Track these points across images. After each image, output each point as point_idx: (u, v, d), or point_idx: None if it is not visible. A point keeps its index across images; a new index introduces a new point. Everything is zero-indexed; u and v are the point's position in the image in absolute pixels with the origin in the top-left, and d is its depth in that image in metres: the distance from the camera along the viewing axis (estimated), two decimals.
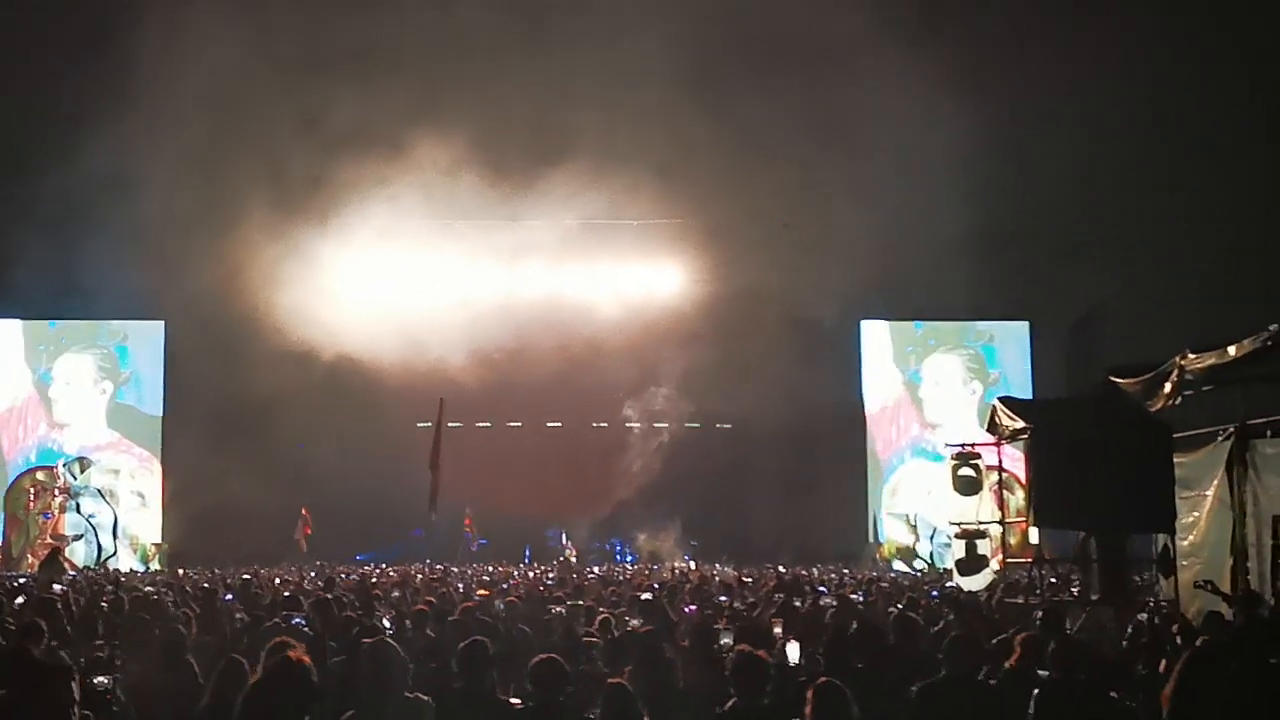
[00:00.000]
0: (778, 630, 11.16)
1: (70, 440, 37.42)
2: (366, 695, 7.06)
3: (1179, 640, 9.76)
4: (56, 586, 18.19)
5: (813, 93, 32.47)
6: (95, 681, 7.46)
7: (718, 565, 31.39)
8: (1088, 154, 32.96)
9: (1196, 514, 15.47)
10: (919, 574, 30.73)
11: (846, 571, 27.91)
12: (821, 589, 17.84)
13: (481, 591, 15.33)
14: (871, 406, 39.16)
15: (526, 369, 36.34)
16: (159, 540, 36.62)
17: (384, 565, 31.01)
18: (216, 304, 34.20)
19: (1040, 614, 11.69)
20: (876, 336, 39.57)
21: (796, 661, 8.67)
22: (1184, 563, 15.22)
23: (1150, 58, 29.73)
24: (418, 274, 37.56)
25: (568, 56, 32.79)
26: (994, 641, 9.93)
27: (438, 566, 28.73)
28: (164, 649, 9.44)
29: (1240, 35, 30.40)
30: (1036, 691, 7.86)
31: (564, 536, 36.81)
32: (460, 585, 20.36)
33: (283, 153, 33.11)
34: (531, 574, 26.79)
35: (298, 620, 11.34)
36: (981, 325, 39.55)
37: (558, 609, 12.82)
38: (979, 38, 32.63)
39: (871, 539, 37.94)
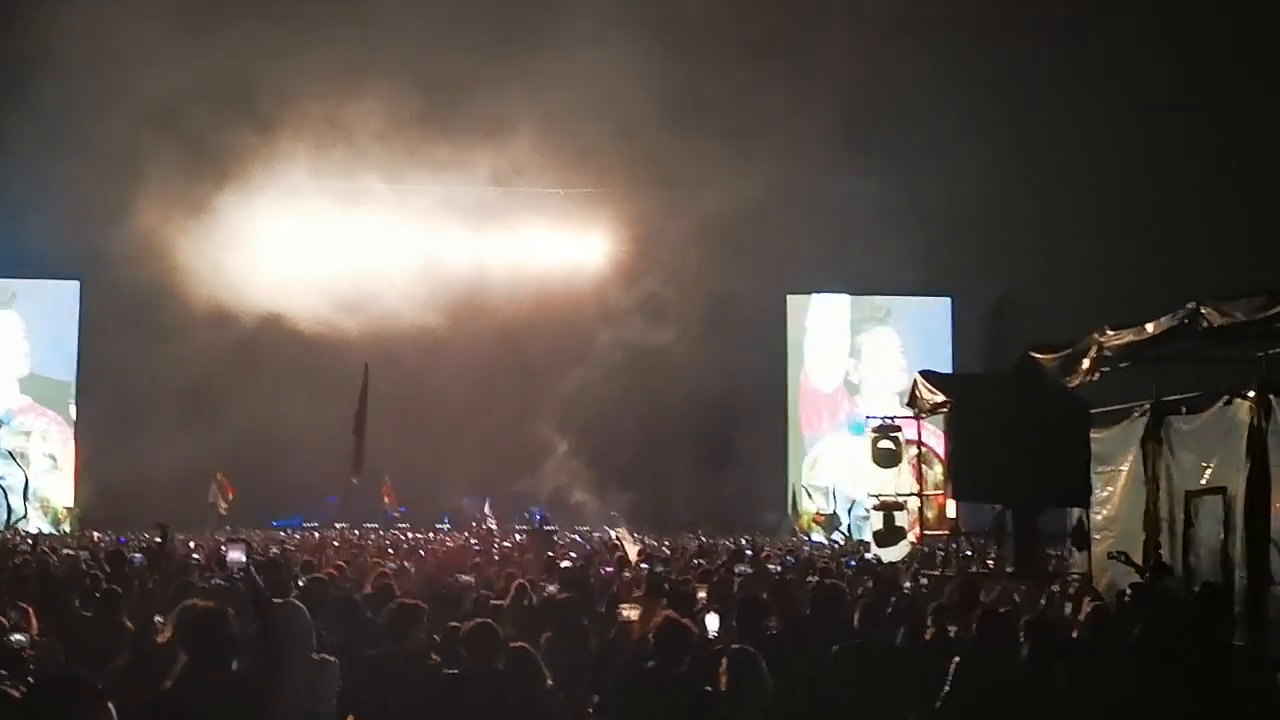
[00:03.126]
0: (701, 595, 11.23)
1: None
2: (273, 654, 7.01)
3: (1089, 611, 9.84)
4: None
5: (744, 65, 32.47)
6: (11, 639, 7.31)
7: (636, 535, 31.40)
8: (1014, 132, 33.29)
9: (1111, 489, 15.63)
10: (836, 545, 30.94)
11: (762, 542, 28.01)
12: (748, 553, 17.89)
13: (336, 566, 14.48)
14: (794, 379, 39.33)
15: (451, 335, 36.10)
16: (70, 504, 35.96)
17: (300, 530, 30.73)
18: (132, 266, 33.60)
19: (955, 586, 11.80)
20: (802, 310, 39.72)
21: (715, 633, 8.68)
22: (1097, 536, 15.38)
23: (1077, 31, 30.07)
24: (341, 238, 37.14)
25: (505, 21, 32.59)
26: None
27: (353, 533, 28.47)
28: (95, 609, 9.41)
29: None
30: (955, 659, 7.92)
31: (485, 504, 36.63)
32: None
33: (202, 112, 32.57)
34: (451, 542, 26.67)
35: (217, 581, 11.19)
36: (903, 300, 39.81)
37: (465, 577, 12.71)
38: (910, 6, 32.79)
39: (790, 510, 38.16)
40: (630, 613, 9.30)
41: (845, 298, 39.80)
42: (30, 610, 8.92)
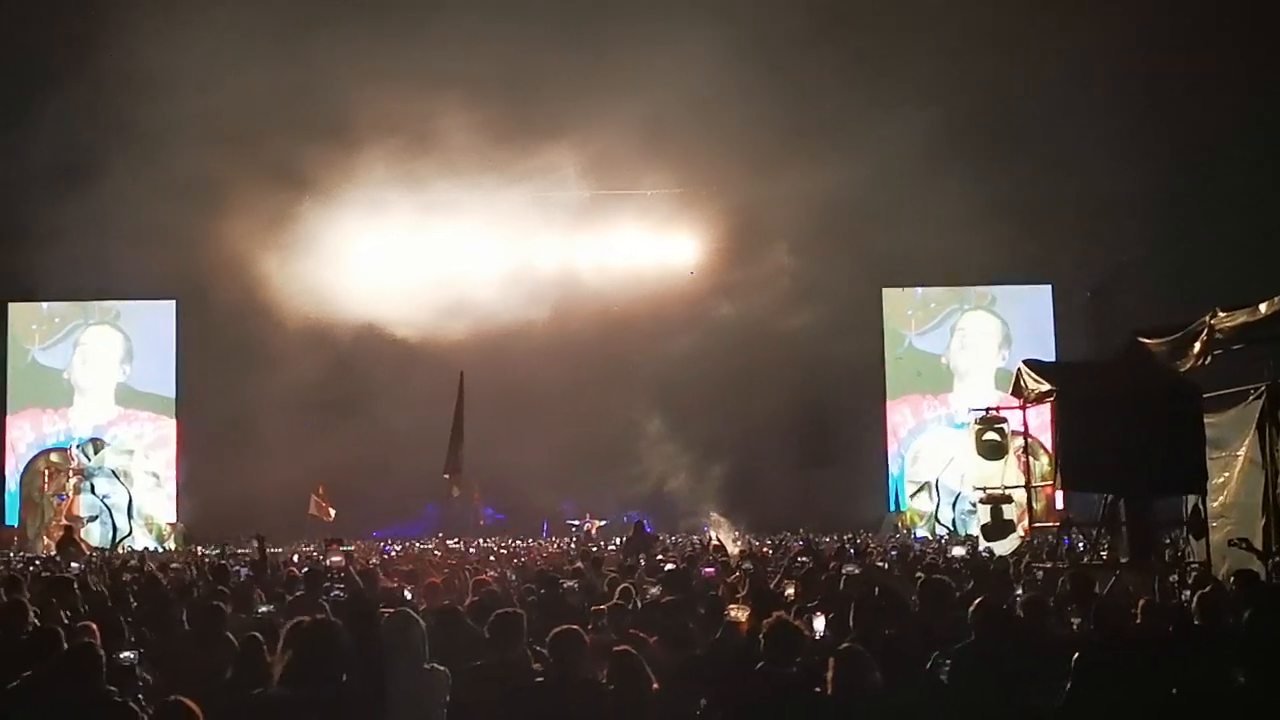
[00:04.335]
0: (790, 592, 11.07)
1: (82, 422, 37.37)
2: (385, 665, 7.01)
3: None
4: (75, 565, 18.23)
5: (837, 58, 32.19)
6: (121, 657, 7.37)
7: (737, 534, 31.26)
8: (1106, 113, 32.72)
9: (1227, 474, 15.27)
10: (942, 540, 30.52)
11: (866, 539, 27.70)
12: (850, 551, 17.65)
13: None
14: (891, 373, 38.87)
15: (546, 340, 36.17)
16: (174, 520, 36.55)
17: (402, 541, 30.94)
18: (226, 284, 34.10)
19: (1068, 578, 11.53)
20: (897, 303, 39.24)
21: (823, 633, 8.53)
22: (1215, 523, 15.02)
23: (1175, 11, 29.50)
24: (433, 247, 37.34)
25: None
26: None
27: (450, 543, 28.60)
28: (197, 625, 9.48)
29: None
30: (1076, 656, 7.67)
31: (582, 510, 36.66)
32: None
33: (289, 129, 32.99)
34: (555, 548, 26.68)
35: (337, 593, 11.25)
36: (1001, 289, 39.18)
37: (569, 583, 12.62)
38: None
39: (893, 507, 37.74)
40: (738, 614, 9.16)
41: (940, 290, 39.26)
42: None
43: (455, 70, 32.24)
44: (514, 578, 14.19)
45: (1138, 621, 9.07)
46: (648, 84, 32.24)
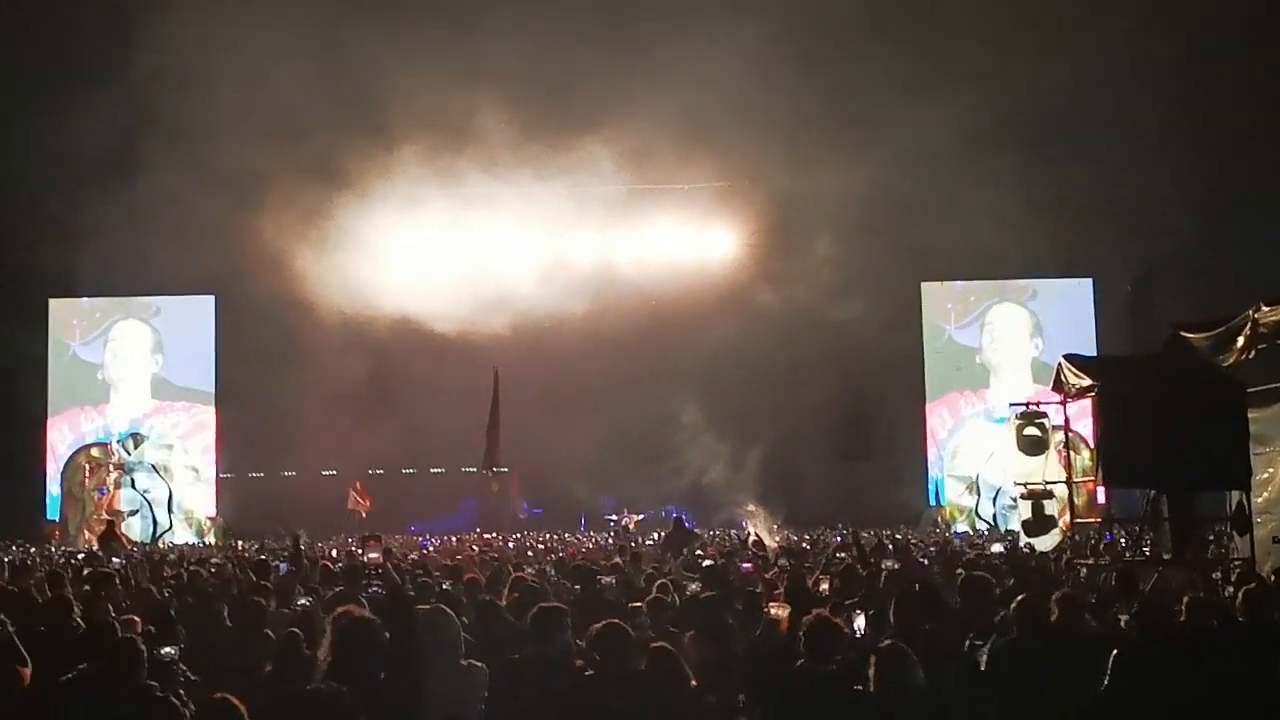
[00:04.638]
0: (824, 588, 11.01)
1: (119, 417, 37.65)
2: (422, 662, 7.02)
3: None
4: (115, 560, 18.34)
5: (876, 52, 32.08)
6: (161, 652, 7.41)
7: (774, 527, 31.21)
8: (1146, 107, 32.45)
9: (1272, 470, 15.13)
10: (983, 536, 30.35)
11: (906, 535, 27.58)
12: (890, 547, 17.57)
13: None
14: (931, 368, 38.67)
15: (583, 335, 36.22)
16: (213, 515, 36.75)
17: (441, 536, 31.01)
18: (266, 279, 34.28)
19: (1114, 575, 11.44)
20: (937, 297, 39.02)
21: (863, 631, 8.48)
22: (1259, 519, 14.86)
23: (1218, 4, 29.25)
24: (471, 242, 37.37)
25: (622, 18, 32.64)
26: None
27: (488, 536, 28.65)
28: (238, 620, 9.53)
29: None
30: (1115, 653, 7.60)
31: (620, 505, 36.67)
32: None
33: (328, 125, 33.18)
34: (592, 543, 26.65)
35: (375, 589, 11.27)
36: (1040, 283, 38.91)
37: (607, 578, 12.58)
38: None
39: (932, 501, 37.57)
40: (778, 610, 9.12)
41: (980, 283, 39.02)
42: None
43: (493, 65, 32.35)
44: (552, 573, 14.16)
45: (1183, 618, 8.98)
46: (686, 78, 32.23)
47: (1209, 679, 7.69)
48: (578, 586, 12.25)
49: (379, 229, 36.07)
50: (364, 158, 34.25)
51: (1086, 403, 17.59)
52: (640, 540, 26.86)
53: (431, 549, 24.72)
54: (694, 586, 11.42)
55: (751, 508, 34.61)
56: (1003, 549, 18.16)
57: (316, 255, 34.88)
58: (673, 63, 32.28)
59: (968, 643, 8.51)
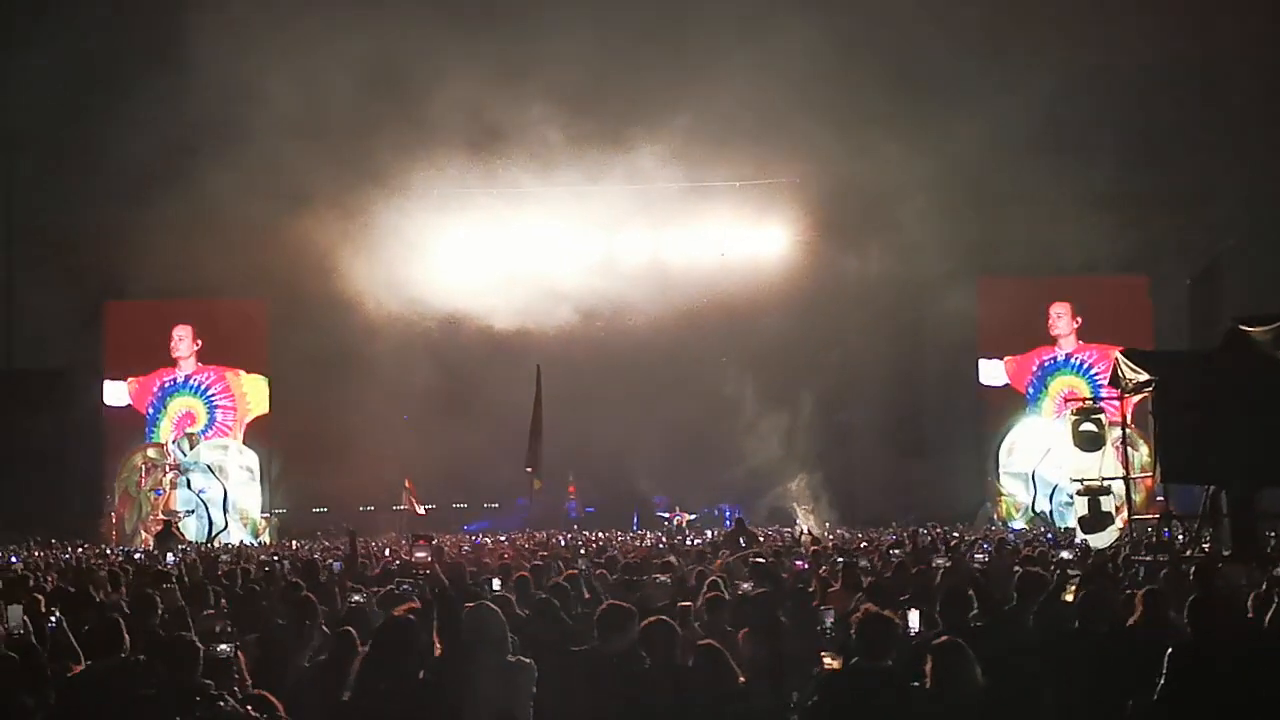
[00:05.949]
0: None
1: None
2: (467, 659, 7.02)
3: None
4: (170, 558, 18.51)
5: (931, 49, 31.94)
6: (218, 649, 7.44)
7: (828, 526, 31.12)
8: (1207, 100, 32.13)
9: None
10: (1040, 532, 30.05)
11: (962, 531, 27.36)
12: (942, 545, 17.43)
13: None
14: (986, 364, 38.30)
15: (629, 334, 36.23)
16: (268, 514, 36.98)
17: (492, 535, 31.07)
18: (315, 281, 34.53)
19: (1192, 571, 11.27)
20: (992, 291, 38.60)
21: (917, 629, 8.39)
22: None
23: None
24: (521, 241, 37.43)
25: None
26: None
27: (538, 535, 28.68)
28: (290, 619, 9.57)
29: None
30: (1170, 650, 7.49)
31: (672, 503, 36.60)
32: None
33: (374, 128, 33.40)
34: (645, 541, 26.59)
35: (406, 587, 11.28)
36: (1097, 279, 38.42)
37: (661, 577, 12.51)
38: None
39: (989, 499, 37.22)
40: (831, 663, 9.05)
41: (1036, 279, 38.59)
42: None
43: (543, 65, 32.45)
44: (584, 567, 14.05)
45: (1250, 615, 8.84)
46: (738, 73, 32.20)
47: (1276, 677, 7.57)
48: (630, 579, 12.24)
49: (431, 229, 36.34)
50: (415, 158, 34.62)
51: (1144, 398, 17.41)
52: (691, 539, 26.74)
53: (488, 543, 24.84)
54: (746, 585, 11.35)
55: (804, 505, 34.60)
56: (1071, 557, 17.98)
57: (369, 256, 35.12)
58: (724, 58, 32.23)
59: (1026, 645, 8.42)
